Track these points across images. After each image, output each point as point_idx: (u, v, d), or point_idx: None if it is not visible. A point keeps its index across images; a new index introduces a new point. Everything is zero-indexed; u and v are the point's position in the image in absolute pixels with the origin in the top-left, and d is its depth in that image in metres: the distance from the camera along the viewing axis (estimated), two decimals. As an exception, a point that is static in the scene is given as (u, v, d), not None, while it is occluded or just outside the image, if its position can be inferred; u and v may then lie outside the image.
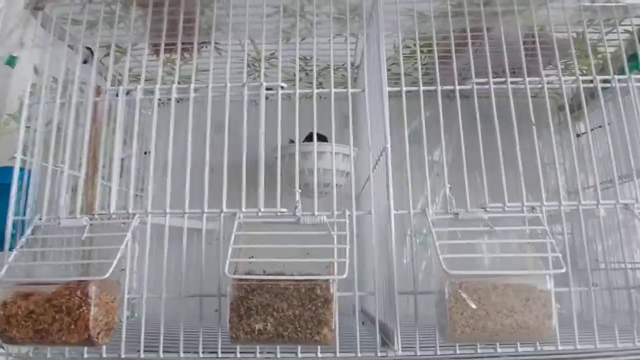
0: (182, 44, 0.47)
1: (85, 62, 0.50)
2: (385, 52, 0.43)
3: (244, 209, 0.40)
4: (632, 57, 0.50)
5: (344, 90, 0.43)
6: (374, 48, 0.45)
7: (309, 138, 0.59)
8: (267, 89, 0.43)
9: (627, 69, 0.45)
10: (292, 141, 0.59)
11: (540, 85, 0.43)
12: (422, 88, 0.42)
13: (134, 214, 0.40)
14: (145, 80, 0.45)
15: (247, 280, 0.36)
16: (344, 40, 0.57)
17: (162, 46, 0.45)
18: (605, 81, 0.44)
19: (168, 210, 0.40)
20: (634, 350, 0.39)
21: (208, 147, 0.42)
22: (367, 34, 0.49)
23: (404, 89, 0.42)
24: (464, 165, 0.41)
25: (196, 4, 0.44)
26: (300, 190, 0.41)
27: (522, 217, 0.40)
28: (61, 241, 0.44)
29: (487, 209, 0.40)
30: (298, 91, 0.42)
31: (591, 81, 0.44)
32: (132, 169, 0.42)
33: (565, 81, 0.44)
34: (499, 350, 0.38)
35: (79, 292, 0.37)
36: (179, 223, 0.43)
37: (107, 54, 0.52)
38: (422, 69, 0.55)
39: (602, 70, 0.56)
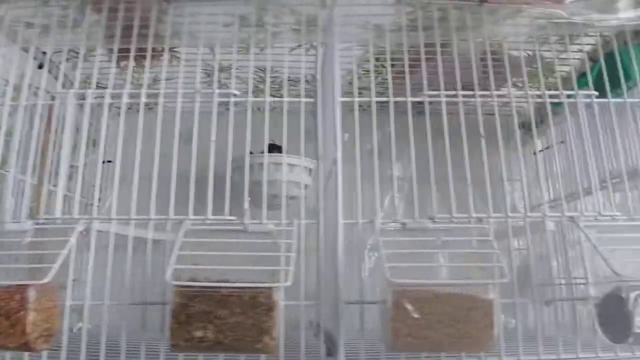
0: (140, 50, 0.47)
1: (40, 66, 0.49)
2: (339, 64, 0.44)
3: (191, 216, 0.39)
4: (582, 75, 0.52)
5: (297, 99, 0.43)
6: (330, 59, 0.46)
7: (268, 149, 0.60)
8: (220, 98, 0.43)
9: (575, 86, 0.47)
10: (252, 153, 0.59)
11: (490, 99, 0.45)
12: (374, 99, 0.43)
13: (78, 220, 0.39)
14: (104, 88, 0.44)
15: (188, 287, 0.35)
16: (305, 52, 0.58)
17: (115, 52, 0.45)
18: (553, 97, 0.45)
19: (114, 216, 0.40)
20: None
21: (157, 155, 0.41)
22: (323, 45, 0.50)
23: (357, 99, 0.43)
24: (413, 177, 0.42)
25: (152, 10, 0.44)
26: (249, 199, 0.41)
27: (469, 228, 0.41)
28: (6, 245, 0.43)
29: (435, 220, 0.41)
30: (250, 99, 0.43)
31: (540, 96, 0.46)
32: (79, 175, 0.42)
33: (517, 97, 0.45)
34: (444, 360, 0.38)
35: (17, 296, 0.36)
36: (129, 231, 0.43)
37: (68, 59, 0.52)
38: (383, 82, 0.56)
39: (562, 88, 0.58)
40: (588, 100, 0.44)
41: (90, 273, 0.40)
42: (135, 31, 0.45)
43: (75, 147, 0.49)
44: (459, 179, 0.42)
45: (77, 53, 0.58)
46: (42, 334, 0.37)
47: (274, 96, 0.61)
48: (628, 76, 0.46)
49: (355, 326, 0.39)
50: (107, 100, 0.43)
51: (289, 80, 0.59)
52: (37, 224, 0.40)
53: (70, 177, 0.51)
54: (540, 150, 0.63)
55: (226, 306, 0.35)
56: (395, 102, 0.44)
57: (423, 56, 0.45)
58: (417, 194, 0.41)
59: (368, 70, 0.61)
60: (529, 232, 0.42)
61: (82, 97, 0.45)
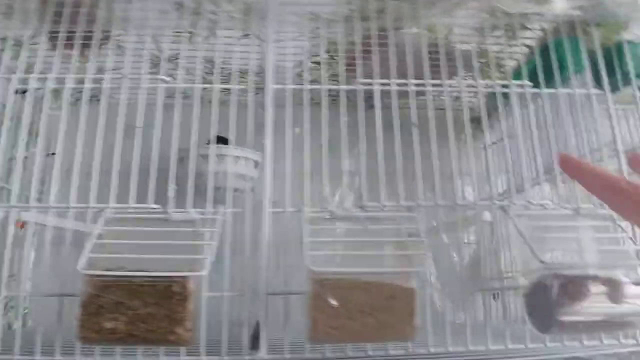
0: (82, 39, 0.46)
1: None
2: (273, 53, 0.43)
3: (112, 204, 0.38)
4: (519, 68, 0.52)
5: (229, 86, 0.43)
6: (265, 47, 0.45)
7: (219, 140, 0.59)
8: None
9: (510, 78, 0.47)
10: (208, 142, 0.58)
11: (424, 88, 0.44)
12: (307, 87, 0.43)
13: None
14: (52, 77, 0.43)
15: (99, 276, 0.34)
16: (249, 43, 0.57)
17: (60, 40, 0.44)
18: (488, 87, 0.45)
19: (33, 204, 0.38)
20: (504, 351, 0.39)
21: (80, 145, 0.40)
22: (263, 35, 0.49)
23: (290, 87, 0.42)
24: (344, 170, 0.41)
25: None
26: (175, 187, 0.40)
27: (399, 217, 0.40)
28: None
29: (366, 209, 0.40)
30: (180, 84, 0.42)
31: (475, 87, 0.46)
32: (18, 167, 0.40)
33: (451, 86, 0.45)
34: (370, 352, 0.38)
35: None
36: (63, 224, 0.41)
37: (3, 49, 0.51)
38: (333, 76, 0.55)
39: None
40: (521, 90, 0.44)
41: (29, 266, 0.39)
42: (66, 16, 0.44)
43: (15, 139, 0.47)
44: (407, 172, 0.42)
45: (18, 41, 0.57)
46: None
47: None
48: (563, 68, 0.46)
49: (278, 320, 0.38)
50: (50, 85, 0.42)
51: (236, 71, 0.58)
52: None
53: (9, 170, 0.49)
54: (489, 145, 0.63)
55: (139, 296, 0.34)
56: (347, 95, 0.44)
57: (359, 47, 0.44)
58: (366, 186, 0.40)
59: (318, 63, 0.61)
60: (461, 222, 0.42)
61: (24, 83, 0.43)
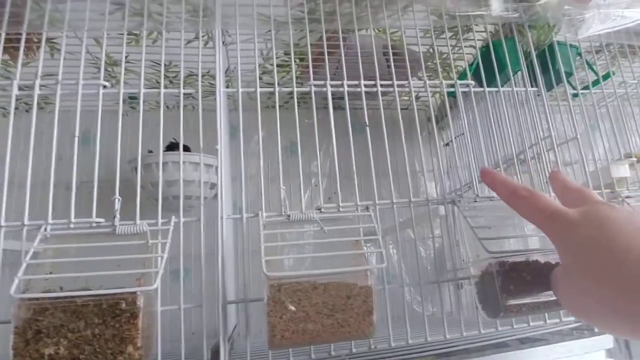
0: (15, 41, 0.42)
1: None
2: (222, 55, 0.42)
3: (50, 220, 0.36)
4: (469, 67, 0.55)
5: (176, 91, 0.41)
6: (216, 49, 0.44)
7: (170, 148, 0.57)
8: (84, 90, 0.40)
9: (454, 77, 0.49)
10: (151, 152, 0.56)
11: (374, 89, 0.45)
12: (259, 90, 0.42)
13: None
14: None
15: (35, 299, 0.31)
16: (204, 45, 0.56)
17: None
18: (433, 86, 0.47)
19: (-46, 224, 0.35)
20: (460, 340, 0.41)
21: (8, 158, 0.37)
22: (212, 36, 0.48)
23: (240, 90, 0.42)
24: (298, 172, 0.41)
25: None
26: (119, 199, 0.38)
27: (356, 217, 0.41)
28: None
29: (322, 210, 0.40)
30: (122, 90, 0.40)
31: (423, 87, 0.47)
32: None
33: (399, 86, 0.46)
34: (333, 353, 0.38)
35: None
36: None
37: None
38: (297, 77, 0.55)
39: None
40: (466, 89, 0.46)
41: None
42: (5, 18, 0.40)
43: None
44: (375, 171, 0.42)
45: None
46: None
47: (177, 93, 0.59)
48: (503, 67, 0.49)
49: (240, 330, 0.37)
50: None
51: (192, 75, 0.57)
52: None
53: None
54: (447, 144, 0.66)
55: (82, 317, 0.32)
56: (316, 97, 0.43)
57: (309, 49, 0.44)
58: (334, 187, 0.41)
59: (279, 65, 0.60)
60: (413, 217, 0.43)
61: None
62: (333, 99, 0.43)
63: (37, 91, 0.38)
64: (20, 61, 0.40)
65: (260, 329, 0.37)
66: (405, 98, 0.69)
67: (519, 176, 0.49)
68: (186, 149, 0.57)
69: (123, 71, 0.46)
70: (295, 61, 0.63)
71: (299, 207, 0.39)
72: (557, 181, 0.31)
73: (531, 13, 0.48)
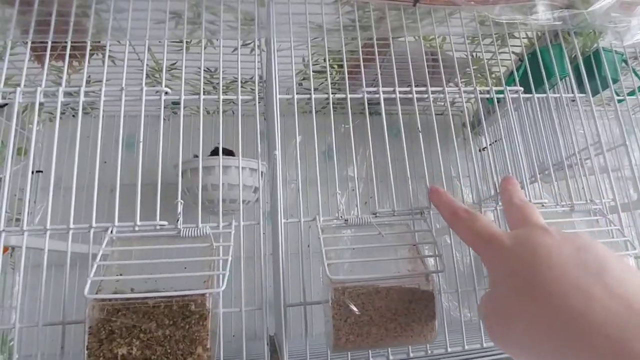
0: (67, 49, 0.43)
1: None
2: (276, 62, 0.43)
3: (117, 223, 0.36)
4: (511, 74, 0.56)
5: (233, 97, 0.42)
6: (270, 57, 0.45)
7: (215, 153, 0.58)
8: (147, 96, 0.41)
9: (504, 83, 0.49)
10: (196, 156, 0.57)
11: (426, 96, 0.46)
12: (313, 96, 0.43)
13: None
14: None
15: (109, 300, 0.32)
16: (250, 52, 0.57)
17: (28, 49, 0.41)
18: (483, 92, 0.47)
19: (25, 227, 0.36)
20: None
21: (77, 162, 0.38)
22: (267, 43, 0.49)
23: (296, 96, 0.42)
24: (351, 175, 0.41)
25: (72, 4, 0.41)
26: (182, 202, 0.38)
27: (410, 221, 0.41)
28: None
29: (377, 214, 0.41)
30: (184, 97, 0.41)
31: (473, 92, 0.48)
32: (6, 188, 0.37)
33: (450, 93, 0.47)
34: (391, 357, 0.38)
35: None
36: (63, 247, 0.38)
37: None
38: (333, 84, 0.56)
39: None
40: (515, 95, 0.46)
41: (19, 295, 0.36)
42: (52, 26, 0.41)
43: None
44: (411, 176, 0.43)
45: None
46: None
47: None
48: (550, 73, 0.49)
49: (298, 332, 0.37)
50: (39, 98, 0.39)
51: (234, 81, 0.58)
52: None
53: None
54: (484, 148, 0.66)
55: (153, 318, 0.32)
56: (346, 104, 0.44)
57: (361, 55, 0.45)
58: (371, 191, 0.41)
59: (319, 71, 0.61)
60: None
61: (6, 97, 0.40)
62: (368, 104, 0.43)
63: (103, 97, 0.39)
64: (85, 68, 0.42)
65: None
66: (440, 103, 0.70)
67: (557, 183, 0.49)
68: (230, 153, 0.59)
69: (176, 77, 0.47)
70: (333, 67, 0.64)
71: (339, 212, 0.39)
72: (506, 193, 0.28)
73: (578, 20, 0.48)
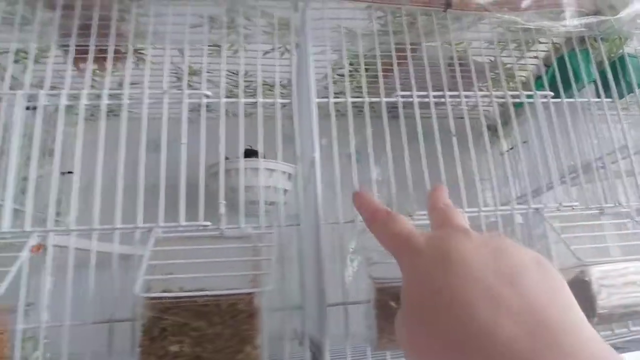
0: (102, 52, 0.44)
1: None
2: (313, 67, 0.44)
3: (161, 223, 0.37)
4: (537, 78, 0.56)
5: (271, 100, 0.43)
6: (304, 61, 0.46)
7: (246, 155, 0.58)
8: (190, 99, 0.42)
9: (533, 88, 0.50)
10: (227, 158, 0.58)
11: (459, 100, 0.47)
12: (349, 100, 0.44)
13: (31, 233, 0.35)
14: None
15: (160, 298, 0.33)
16: (280, 55, 0.58)
17: (72, 52, 0.42)
18: (514, 97, 0.48)
19: (73, 226, 0.36)
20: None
21: (122, 162, 0.39)
22: (297, 48, 0.50)
23: (332, 100, 0.43)
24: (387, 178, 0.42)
25: (113, 8, 0.42)
26: (224, 203, 0.39)
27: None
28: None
29: (413, 217, 0.41)
30: (223, 99, 0.41)
31: (503, 97, 0.48)
32: (31, 188, 0.38)
33: (481, 97, 0.48)
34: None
35: None
36: (98, 247, 0.39)
37: (16, 61, 0.48)
38: (358, 87, 0.57)
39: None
40: (545, 100, 0.47)
41: (47, 293, 0.36)
42: (94, 30, 0.42)
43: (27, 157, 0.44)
44: (435, 179, 0.43)
45: (27, 53, 0.54)
46: (-12, 364, 0.33)
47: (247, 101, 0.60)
48: (577, 78, 0.50)
49: (336, 332, 0.38)
50: (63, 101, 0.40)
51: (263, 84, 0.59)
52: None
53: (22, 191, 0.46)
54: (507, 151, 0.67)
55: (203, 316, 0.33)
56: (371, 106, 0.45)
57: (395, 60, 0.46)
58: (397, 194, 0.42)
59: (342, 75, 0.62)
60: (501, 225, 0.44)
61: (34, 99, 0.41)
62: (395, 108, 0.44)
63: (146, 100, 0.40)
64: (129, 70, 0.42)
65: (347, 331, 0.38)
66: (461, 108, 0.71)
67: (586, 186, 0.50)
68: (257, 154, 0.59)
69: (206, 80, 0.48)
70: (358, 71, 0.65)
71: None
72: (431, 199, 0.26)
73: (605, 27, 0.49)
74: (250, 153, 0.54)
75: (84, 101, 0.40)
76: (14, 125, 0.38)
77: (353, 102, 0.44)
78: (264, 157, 0.54)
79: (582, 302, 0.40)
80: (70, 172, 0.57)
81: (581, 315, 0.17)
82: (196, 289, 0.34)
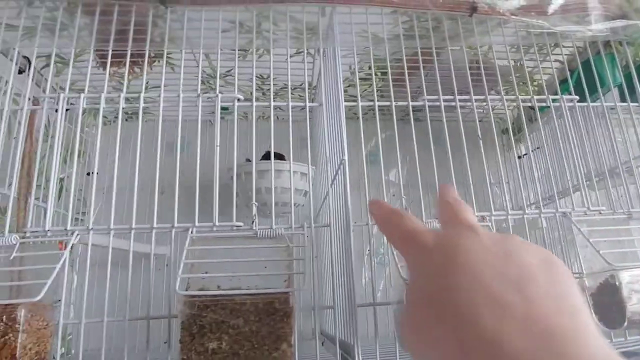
0: (132, 56, 0.46)
1: (21, 72, 0.46)
2: (341, 72, 0.44)
3: (197, 223, 0.38)
4: (563, 82, 0.57)
5: (301, 103, 0.44)
6: (331, 65, 0.47)
7: (266, 157, 0.59)
8: (223, 102, 0.43)
9: (559, 91, 0.51)
10: (249, 160, 0.59)
11: (485, 104, 0.47)
12: (377, 103, 0.44)
13: (72, 231, 0.37)
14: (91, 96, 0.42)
15: (199, 296, 0.34)
16: (302, 60, 0.59)
17: (110, 57, 0.43)
18: (540, 101, 0.48)
19: (112, 226, 0.38)
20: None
21: (158, 164, 0.40)
22: (324, 51, 0.50)
23: (360, 104, 0.44)
24: (402, 182, 0.43)
25: (147, 15, 0.43)
26: (256, 204, 0.40)
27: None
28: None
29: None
30: (255, 104, 0.42)
31: (530, 101, 0.49)
32: (72, 188, 0.39)
33: (508, 100, 0.48)
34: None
35: (4, 317, 0.33)
36: (126, 245, 0.41)
37: (47, 65, 0.49)
38: (377, 91, 0.57)
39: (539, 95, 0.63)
40: (571, 104, 0.47)
41: (83, 291, 0.38)
42: (130, 35, 0.44)
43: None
44: (461, 181, 0.44)
45: (63, 58, 0.55)
46: (33, 358, 0.34)
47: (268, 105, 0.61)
48: (602, 82, 0.50)
49: (363, 333, 0.38)
50: (103, 104, 0.41)
51: (285, 87, 0.60)
52: (24, 237, 0.37)
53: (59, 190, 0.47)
54: (525, 154, 0.67)
55: (241, 314, 0.34)
56: (387, 110, 0.45)
57: (421, 64, 0.47)
58: (414, 197, 0.42)
59: (362, 78, 0.63)
60: (527, 229, 0.44)
61: (72, 102, 0.43)
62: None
63: (181, 103, 0.41)
64: (163, 74, 0.44)
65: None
66: (480, 110, 0.71)
67: (613, 190, 0.49)
68: (280, 157, 0.60)
69: (235, 83, 0.49)
70: (377, 75, 0.65)
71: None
72: (440, 195, 0.25)
73: (631, 31, 0.49)
74: (269, 156, 0.55)
75: (122, 104, 0.41)
76: (56, 128, 0.39)
77: (379, 106, 0.45)
78: (282, 160, 0.55)
79: (612, 307, 0.41)
80: (89, 174, 0.58)
81: (589, 320, 0.16)
82: (233, 288, 0.35)
